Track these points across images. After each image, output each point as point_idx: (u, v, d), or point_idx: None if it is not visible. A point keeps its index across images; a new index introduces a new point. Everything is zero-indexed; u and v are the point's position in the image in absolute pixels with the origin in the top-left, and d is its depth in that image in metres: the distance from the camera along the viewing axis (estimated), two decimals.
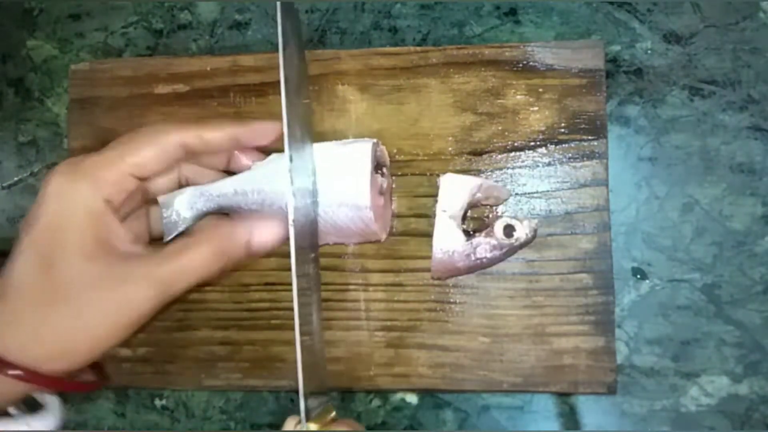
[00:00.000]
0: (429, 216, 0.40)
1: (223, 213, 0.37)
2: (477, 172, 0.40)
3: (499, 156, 0.40)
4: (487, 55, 0.41)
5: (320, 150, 0.37)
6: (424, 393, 0.41)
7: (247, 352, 0.41)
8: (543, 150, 0.40)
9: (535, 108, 0.40)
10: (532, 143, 0.40)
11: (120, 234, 0.31)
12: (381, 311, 0.40)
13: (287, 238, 0.32)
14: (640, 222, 0.40)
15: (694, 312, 0.39)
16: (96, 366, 0.34)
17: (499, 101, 0.40)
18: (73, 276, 0.29)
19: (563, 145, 0.39)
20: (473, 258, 0.37)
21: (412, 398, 0.41)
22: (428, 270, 0.39)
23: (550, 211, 0.39)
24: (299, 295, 0.32)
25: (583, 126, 0.39)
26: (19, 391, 0.29)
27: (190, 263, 0.31)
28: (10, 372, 0.27)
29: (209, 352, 0.41)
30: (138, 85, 0.44)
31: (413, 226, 0.40)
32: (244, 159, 0.37)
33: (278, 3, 0.32)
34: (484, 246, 0.37)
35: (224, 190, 0.36)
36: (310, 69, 0.42)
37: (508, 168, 0.40)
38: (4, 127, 0.47)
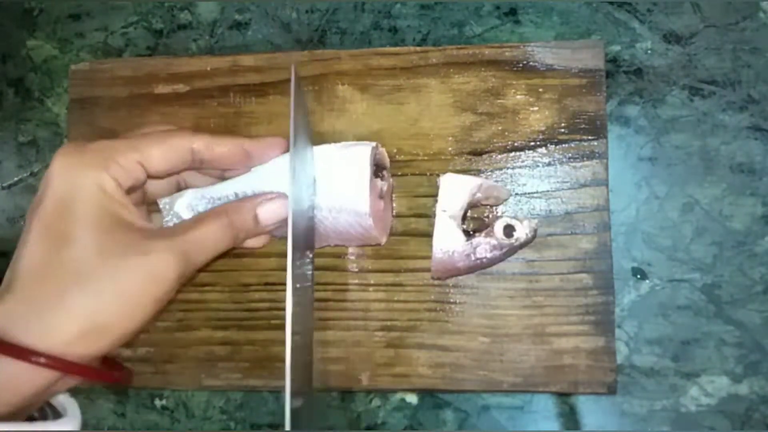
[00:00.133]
0: (429, 216, 0.40)
1: None
2: (477, 172, 0.40)
3: (499, 156, 0.40)
4: (487, 55, 0.41)
5: (319, 153, 0.37)
6: (424, 393, 0.41)
7: (247, 352, 0.41)
8: (543, 150, 0.40)
9: (535, 108, 0.40)
10: (532, 143, 0.40)
11: (133, 210, 0.30)
12: (381, 311, 0.40)
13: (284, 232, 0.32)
14: (640, 222, 0.40)
15: (694, 312, 0.39)
16: (115, 365, 0.33)
17: (499, 101, 0.40)
18: (91, 251, 0.28)
19: (563, 145, 0.39)
20: (473, 258, 0.37)
21: (412, 398, 0.41)
22: (428, 270, 0.39)
23: (550, 211, 0.39)
24: (296, 295, 0.32)
25: (583, 126, 0.39)
26: (44, 383, 0.27)
27: (205, 234, 0.31)
28: (34, 359, 0.26)
29: (209, 352, 0.41)
30: (138, 85, 0.44)
31: (413, 226, 0.40)
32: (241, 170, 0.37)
33: None
34: (484, 246, 0.37)
35: (225, 192, 0.36)
36: (310, 69, 0.42)
37: (508, 168, 0.40)
38: (4, 127, 0.47)
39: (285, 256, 0.37)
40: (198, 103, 0.43)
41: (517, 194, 0.40)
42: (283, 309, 0.40)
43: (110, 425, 0.43)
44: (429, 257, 0.38)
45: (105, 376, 0.30)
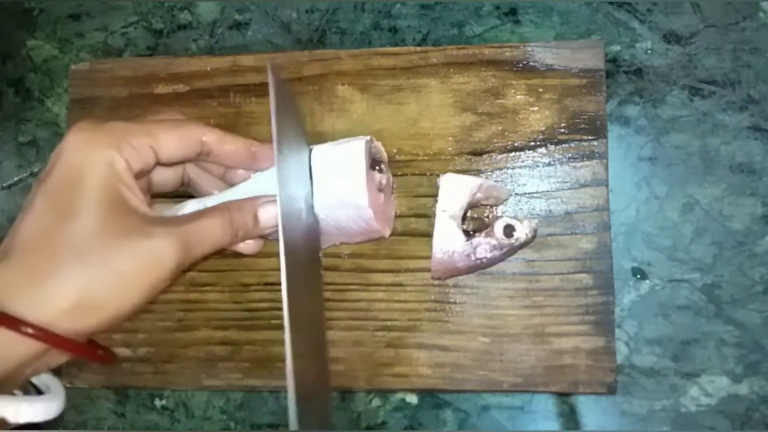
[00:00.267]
0: (429, 216, 0.40)
1: None
2: (477, 172, 0.40)
3: (499, 156, 0.40)
4: (487, 55, 0.41)
5: (316, 152, 0.37)
6: (424, 393, 0.41)
7: (247, 352, 0.41)
8: (543, 150, 0.40)
9: (535, 108, 0.40)
10: (532, 143, 0.40)
11: (138, 194, 0.30)
12: (381, 311, 0.40)
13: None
14: (640, 222, 0.40)
15: (694, 312, 0.39)
16: (99, 347, 0.32)
17: (499, 101, 0.40)
18: (93, 228, 0.27)
19: (563, 145, 0.39)
20: (473, 258, 0.37)
21: (412, 398, 0.41)
22: (428, 270, 0.39)
23: (550, 211, 0.39)
24: (302, 298, 0.32)
25: (583, 126, 0.39)
26: (30, 355, 0.26)
27: (206, 227, 0.31)
28: (23, 329, 0.25)
29: (209, 352, 0.41)
30: (138, 85, 0.44)
31: (413, 226, 0.40)
32: (241, 172, 0.37)
33: None
34: (484, 246, 0.37)
35: (225, 201, 0.36)
36: (310, 69, 0.42)
37: (508, 168, 0.40)
38: (4, 127, 0.47)
39: None
40: (198, 103, 0.43)
41: (517, 194, 0.40)
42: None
43: (110, 425, 0.43)
44: (429, 257, 0.38)
45: (90, 353, 0.29)
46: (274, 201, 0.35)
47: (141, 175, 0.32)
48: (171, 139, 0.32)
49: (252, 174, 0.37)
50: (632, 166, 0.40)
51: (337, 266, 0.40)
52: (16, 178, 0.47)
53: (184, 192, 0.38)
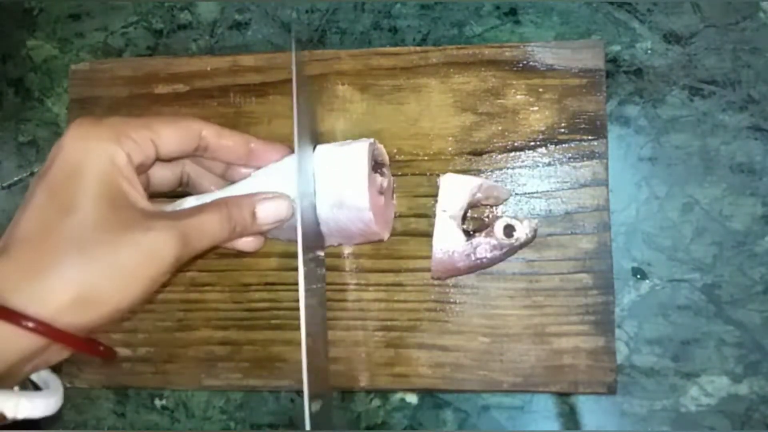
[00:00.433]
0: (429, 216, 0.40)
1: None
2: (477, 172, 0.40)
3: (499, 156, 0.40)
4: (487, 55, 0.41)
5: (318, 152, 0.37)
6: (424, 393, 0.41)
7: (247, 352, 0.41)
8: (543, 150, 0.40)
9: (535, 108, 0.40)
10: (532, 143, 0.40)
11: (138, 188, 0.30)
12: (381, 311, 0.40)
13: (287, 235, 0.32)
14: (640, 222, 0.40)
15: (694, 312, 0.39)
16: (99, 343, 0.33)
17: (499, 101, 0.40)
18: (93, 222, 0.27)
19: (563, 145, 0.39)
20: (473, 258, 0.37)
21: (412, 398, 0.41)
22: (428, 270, 0.39)
23: (550, 211, 0.39)
24: (311, 296, 0.32)
25: (583, 126, 0.39)
26: (29, 350, 0.26)
27: (205, 222, 0.31)
28: (24, 323, 0.25)
29: (209, 352, 0.41)
30: (138, 85, 0.44)
31: (413, 226, 0.40)
32: (242, 170, 0.37)
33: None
34: (484, 246, 0.37)
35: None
36: (310, 69, 0.42)
37: (508, 168, 0.40)
38: (4, 127, 0.47)
39: (285, 256, 0.37)
40: (198, 103, 0.43)
41: (517, 194, 0.40)
42: (284, 309, 0.41)
43: (110, 425, 0.43)
44: (429, 257, 0.38)
45: (90, 348, 0.29)
46: (273, 198, 0.35)
47: (141, 169, 0.32)
48: (170, 132, 0.32)
49: (252, 172, 0.37)
50: (632, 166, 0.40)
51: (337, 266, 0.40)
52: (16, 178, 0.47)
53: (182, 192, 0.38)
